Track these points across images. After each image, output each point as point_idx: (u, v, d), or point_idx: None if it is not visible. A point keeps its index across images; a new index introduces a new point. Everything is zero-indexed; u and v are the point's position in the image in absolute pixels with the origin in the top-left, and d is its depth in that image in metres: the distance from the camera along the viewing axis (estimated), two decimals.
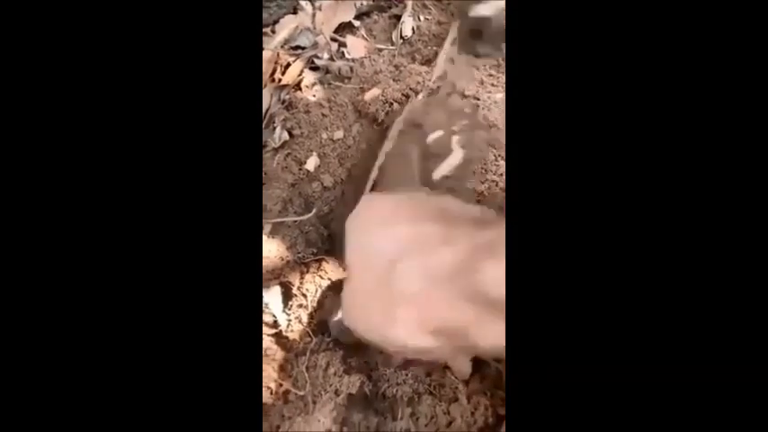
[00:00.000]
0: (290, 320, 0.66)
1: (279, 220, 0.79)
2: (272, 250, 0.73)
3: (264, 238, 0.76)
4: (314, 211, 0.80)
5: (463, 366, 0.60)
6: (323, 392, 0.59)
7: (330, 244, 0.79)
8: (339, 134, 0.92)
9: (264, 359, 0.63)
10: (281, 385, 0.61)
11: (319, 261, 0.66)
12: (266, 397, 0.61)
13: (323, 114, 0.93)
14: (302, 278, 0.66)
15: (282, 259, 0.73)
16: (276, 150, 0.89)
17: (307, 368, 0.61)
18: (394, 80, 0.91)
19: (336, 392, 0.58)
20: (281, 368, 0.63)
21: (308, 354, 0.62)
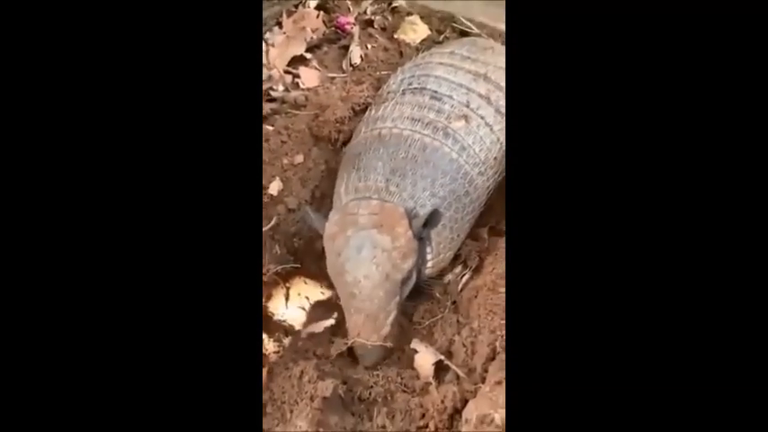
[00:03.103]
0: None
1: None
2: None
3: None
4: (274, 220, 0.84)
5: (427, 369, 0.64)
6: (299, 400, 0.61)
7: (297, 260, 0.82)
8: (299, 158, 0.97)
9: None
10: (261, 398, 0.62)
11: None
12: None
13: (282, 141, 0.97)
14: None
15: None
16: None
17: (281, 379, 0.63)
18: (342, 101, 0.97)
19: (312, 398, 0.60)
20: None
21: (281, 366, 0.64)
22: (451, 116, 0.77)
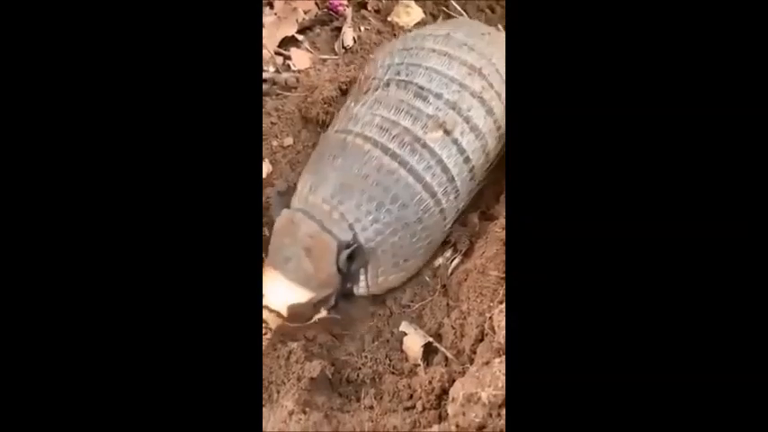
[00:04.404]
0: None
1: None
2: None
3: None
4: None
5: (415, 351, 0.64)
6: (285, 381, 0.60)
7: None
8: (289, 140, 0.96)
9: None
10: None
11: None
12: None
13: (272, 123, 0.96)
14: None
15: None
16: None
17: (269, 360, 0.62)
18: (329, 81, 0.95)
19: (299, 378, 0.59)
20: None
21: (269, 347, 0.64)
22: (429, 125, 0.72)
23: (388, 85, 0.77)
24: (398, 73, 0.78)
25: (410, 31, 1.12)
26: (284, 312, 0.67)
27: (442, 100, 0.73)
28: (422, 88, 0.74)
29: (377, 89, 0.77)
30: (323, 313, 0.71)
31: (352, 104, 0.79)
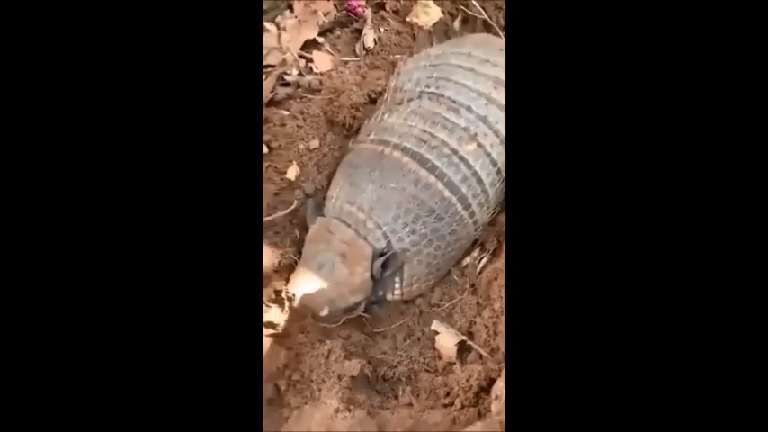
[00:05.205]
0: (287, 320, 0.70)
1: (266, 219, 0.83)
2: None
3: None
4: (294, 204, 0.85)
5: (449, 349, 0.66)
6: (326, 379, 0.62)
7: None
8: (315, 143, 0.97)
9: (269, 356, 0.66)
10: (290, 377, 0.64)
11: None
12: (273, 393, 0.64)
13: (298, 126, 0.97)
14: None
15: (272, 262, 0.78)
16: None
17: (309, 358, 0.64)
18: (357, 86, 0.97)
19: (339, 377, 0.62)
20: (286, 366, 0.66)
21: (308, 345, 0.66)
22: (464, 138, 0.74)
23: (419, 97, 0.79)
24: (428, 86, 0.80)
25: (429, 30, 1.13)
26: (317, 312, 0.69)
27: (473, 113, 0.76)
28: (453, 101, 0.77)
29: (410, 100, 0.80)
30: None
31: (386, 115, 0.81)
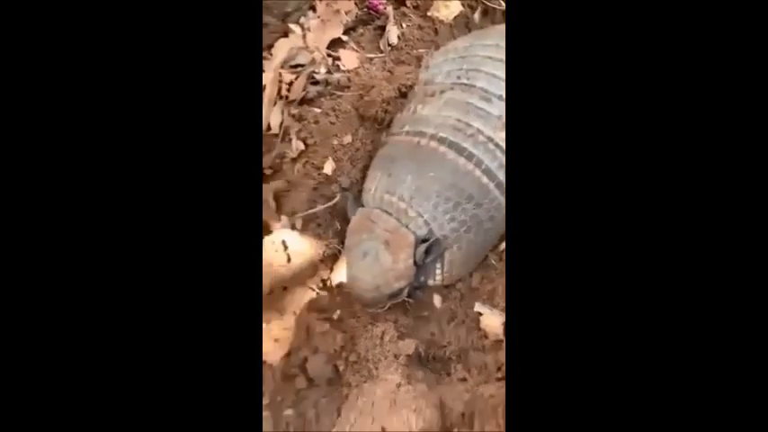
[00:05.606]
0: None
1: (308, 212, 0.86)
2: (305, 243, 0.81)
3: (296, 233, 0.84)
4: (336, 199, 0.89)
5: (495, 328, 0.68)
6: (382, 358, 0.66)
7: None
8: (348, 138, 1.01)
9: (326, 339, 0.70)
10: (347, 359, 0.68)
11: None
12: (332, 373, 0.68)
13: (331, 123, 1.01)
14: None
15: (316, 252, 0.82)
16: (295, 160, 0.97)
17: (364, 340, 0.68)
18: (387, 81, 1.00)
19: (396, 356, 0.65)
20: (343, 348, 0.70)
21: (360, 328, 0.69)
22: (498, 126, 0.76)
23: (452, 89, 0.82)
24: (459, 78, 0.83)
25: (450, 24, 1.16)
26: (364, 298, 0.72)
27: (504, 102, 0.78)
28: (486, 91, 0.79)
29: (443, 92, 0.82)
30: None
31: (419, 107, 0.83)
